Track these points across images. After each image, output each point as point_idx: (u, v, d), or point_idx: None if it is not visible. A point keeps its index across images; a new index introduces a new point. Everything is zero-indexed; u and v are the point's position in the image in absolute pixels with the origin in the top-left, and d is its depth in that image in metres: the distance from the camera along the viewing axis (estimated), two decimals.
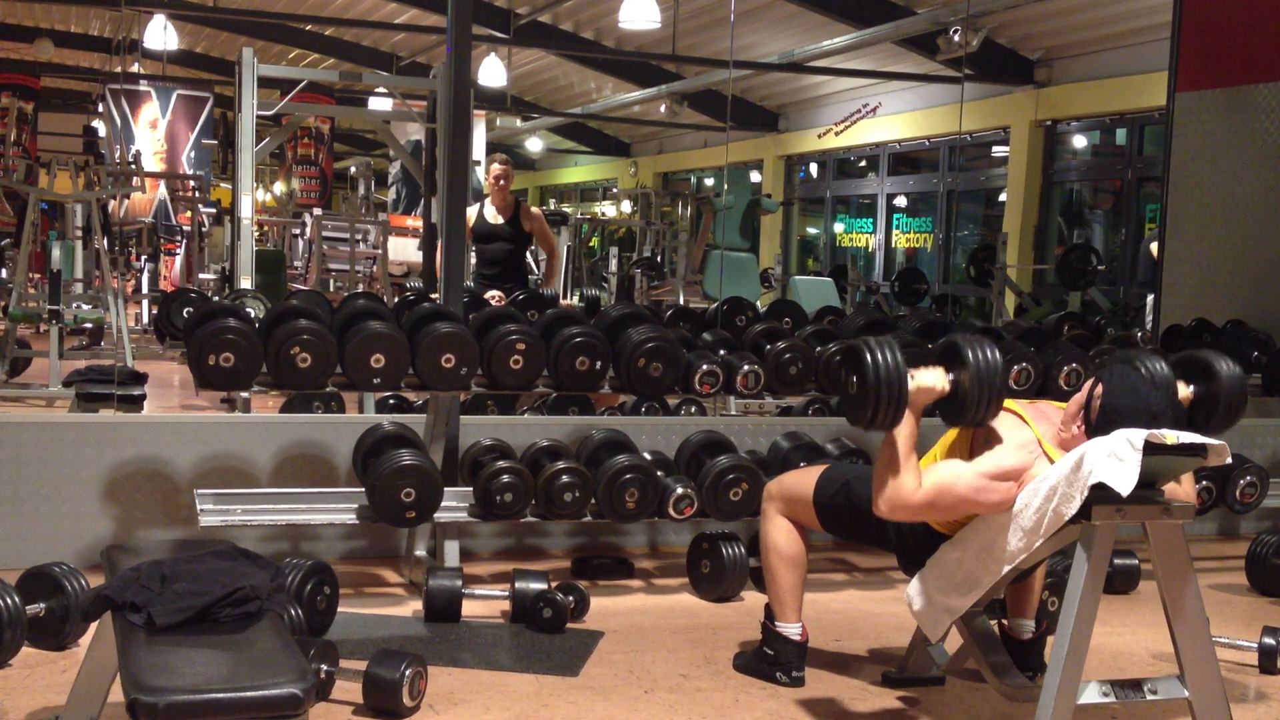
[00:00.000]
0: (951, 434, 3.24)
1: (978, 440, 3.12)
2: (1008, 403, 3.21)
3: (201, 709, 2.08)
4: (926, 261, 14.57)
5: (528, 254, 7.80)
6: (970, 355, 3.04)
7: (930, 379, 3.09)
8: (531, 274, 9.48)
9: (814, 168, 17.39)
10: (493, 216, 6.98)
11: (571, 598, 4.07)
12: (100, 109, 17.37)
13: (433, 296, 5.39)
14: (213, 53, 19.63)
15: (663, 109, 16.44)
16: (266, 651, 2.33)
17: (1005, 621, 3.56)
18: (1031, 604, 3.56)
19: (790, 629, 3.52)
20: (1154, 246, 8.11)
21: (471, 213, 7.09)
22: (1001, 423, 3.11)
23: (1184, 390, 3.25)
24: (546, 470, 4.33)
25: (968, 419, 3.08)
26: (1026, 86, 12.71)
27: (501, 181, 6.93)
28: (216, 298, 6.36)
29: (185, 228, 13.88)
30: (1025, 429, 3.10)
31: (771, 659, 3.55)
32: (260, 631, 2.42)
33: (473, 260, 7.43)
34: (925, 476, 3.06)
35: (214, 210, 13.87)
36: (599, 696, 3.41)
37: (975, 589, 3.08)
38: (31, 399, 8.00)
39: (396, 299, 6.12)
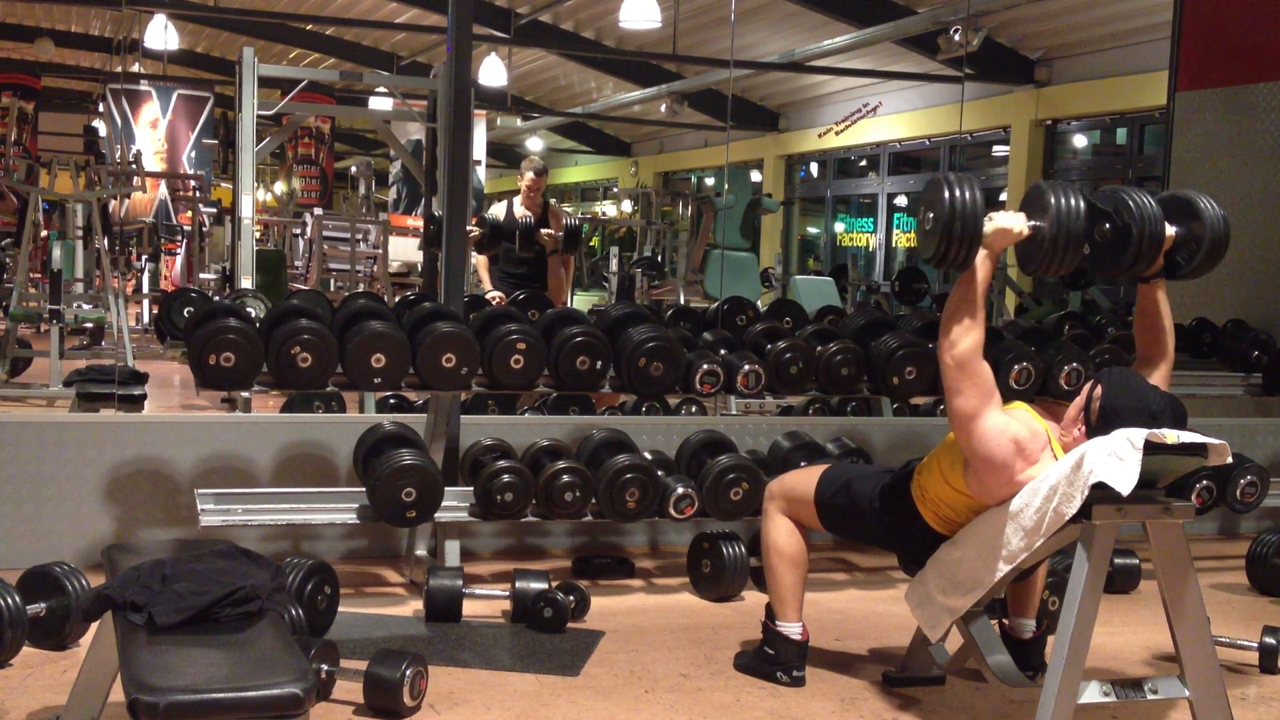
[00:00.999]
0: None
1: None
2: (1018, 404, 3.22)
3: (202, 709, 2.09)
4: None
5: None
6: (1053, 200, 3.01)
7: (1009, 220, 3.07)
8: None
9: (814, 167, 17.39)
10: (522, 216, 7.03)
11: (572, 597, 4.07)
12: (101, 109, 17.36)
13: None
14: (213, 53, 19.63)
15: (663, 109, 16.44)
16: (267, 651, 2.33)
17: (1006, 621, 3.56)
18: (1032, 603, 3.56)
19: (791, 628, 3.52)
20: None
21: (499, 210, 7.16)
22: (1016, 414, 3.13)
23: (1168, 230, 3.17)
24: (547, 470, 4.33)
25: (1044, 266, 3.06)
26: (1027, 86, 12.71)
27: (534, 192, 7.02)
28: (217, 297, 6.37)
29: (186, 227, 13.87)
30: (1037, 422, 3.11)
31: (772, 658, 3.55)
32: (261, 631, 2.42)
33: (474, 259, 7.44)
34: (987, 374, 3.03)
35: (214, 210, 13.86)
36: (599, 696, 3.41)
37: (976, 589, 3.08)
38: (32, 399, 8.00)
39: (397, 299, 6.12)
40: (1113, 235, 3.09)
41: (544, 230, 6.69)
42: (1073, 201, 3.01)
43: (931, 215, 3.04)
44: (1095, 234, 3.11)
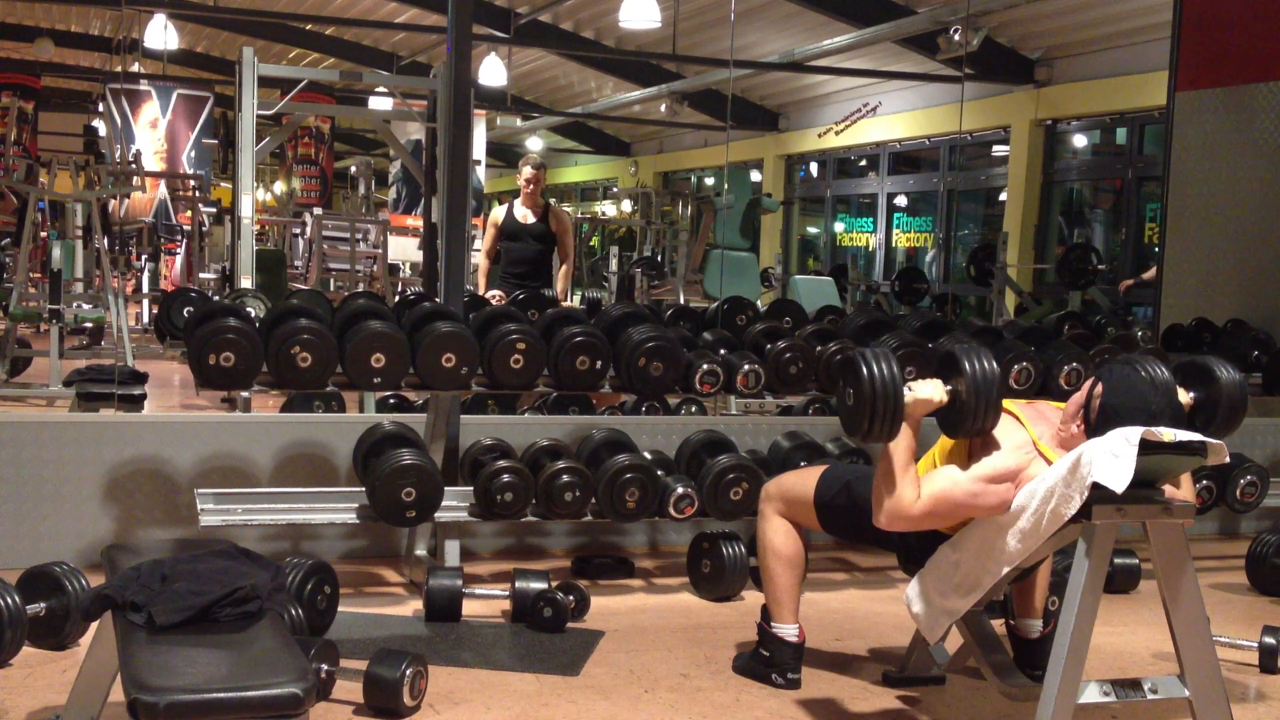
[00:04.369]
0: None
1: (975, 442, 3.12)
2: (1005, 403, 3.20)
3: (202, 709, 2.08)
4: (927, 261, 14.58)
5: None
6: (967, 365, 3.03)
7: (927, 390, 3.07)
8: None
9: (814, 167, 17.38)
10: (523, 216, 7.06)
11: (572, 597, 4.07)
12: (100, 108, 17.36)
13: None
14: (213, 52, 19.62)
15: (663, 108, 16.43)
16: (267, 651, 2.33)
17: (1013, 622, 3.56)
18: (1038, 603, 3.55)
19: (786, 630, 3.51)
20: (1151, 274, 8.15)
21: (500, 212, 7.19)
22: (998, 424, 3.11)
23: (1184, 396, 3.20)
24: (547, 470, 4.33)
25: (966, 429, 3.06)
26: (1026, 86, 12.70)
27: (532, 186, 7.03)
28: (217, 297, 6.37)
29: (185, 227, 13.88)
30: (1020, 430, 3.09)
31: (767, 660, 3.54)
32: (261, 631, 2.42)
33: (476, 260, 7.46)
34: (923, 485, 3.05)
35: (214, 210, 13.88)
36: (599, 696, 3.41)
37: (975, 590, 3.08)
38: (32, 398, 8.01)
39: (396, 298, 6.13)
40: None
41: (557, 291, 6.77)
42: (985, 364, 3.02)
43: (851, 392, 3.04)
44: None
